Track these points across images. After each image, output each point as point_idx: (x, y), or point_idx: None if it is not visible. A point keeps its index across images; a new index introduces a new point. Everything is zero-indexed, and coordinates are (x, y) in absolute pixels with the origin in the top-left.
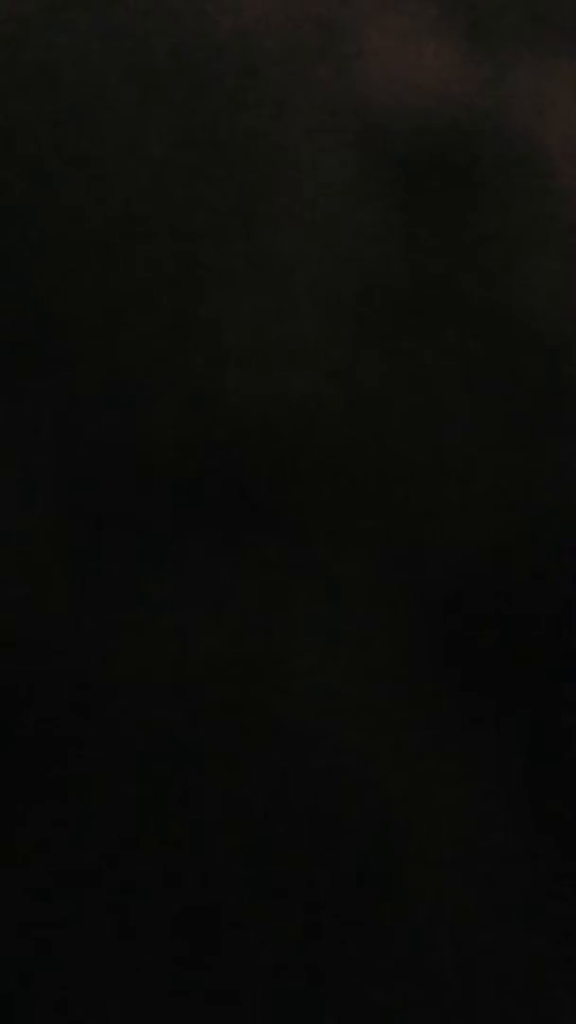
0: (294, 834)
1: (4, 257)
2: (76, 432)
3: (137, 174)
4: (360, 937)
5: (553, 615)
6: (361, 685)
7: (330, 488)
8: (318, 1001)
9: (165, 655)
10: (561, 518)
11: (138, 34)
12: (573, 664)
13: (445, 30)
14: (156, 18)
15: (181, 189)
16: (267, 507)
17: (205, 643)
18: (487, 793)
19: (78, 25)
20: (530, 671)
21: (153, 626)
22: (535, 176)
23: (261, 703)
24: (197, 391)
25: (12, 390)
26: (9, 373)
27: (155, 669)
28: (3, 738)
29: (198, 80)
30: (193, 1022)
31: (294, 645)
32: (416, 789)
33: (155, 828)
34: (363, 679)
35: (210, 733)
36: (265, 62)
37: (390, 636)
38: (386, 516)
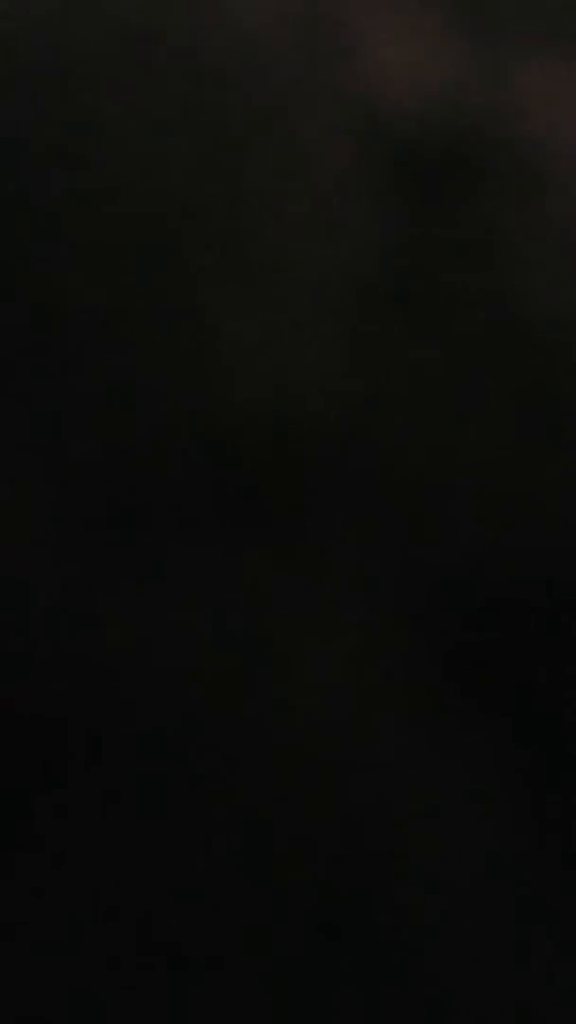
0: (293, 832)
1: (3, 257)
2: (76, 432)
3: (136, 174)
4: (359, 936)
5: (554, 615)
6: (360, 684)
7: (330, 488)
8: (317, 996)
9: (164, 653)
10: (562, 517)
11: (140, 34)
12: (573, 664)
13: (446, 30)
14: (158, 17)
15: (181, 188)
16: (267, 506)
17: (204, 641)
18: (487, 791)
19: (81, 23)
20: (530, 671)
21: (151, 624)
22: (535, 174)
23: (260, 701)
24: (196, 390)
25: (11, 391)
26: (8, 374)
27: (153, 666)
28: (3, 737)
29: (199, 79)
30: (197, 1008)
31: (294, 643)
32: (416, 788)
33: (155, 826)
34: (362, 678)
35: (209, 730)
36: (267, 61)
37: (390, 635)
38: (386, 516)
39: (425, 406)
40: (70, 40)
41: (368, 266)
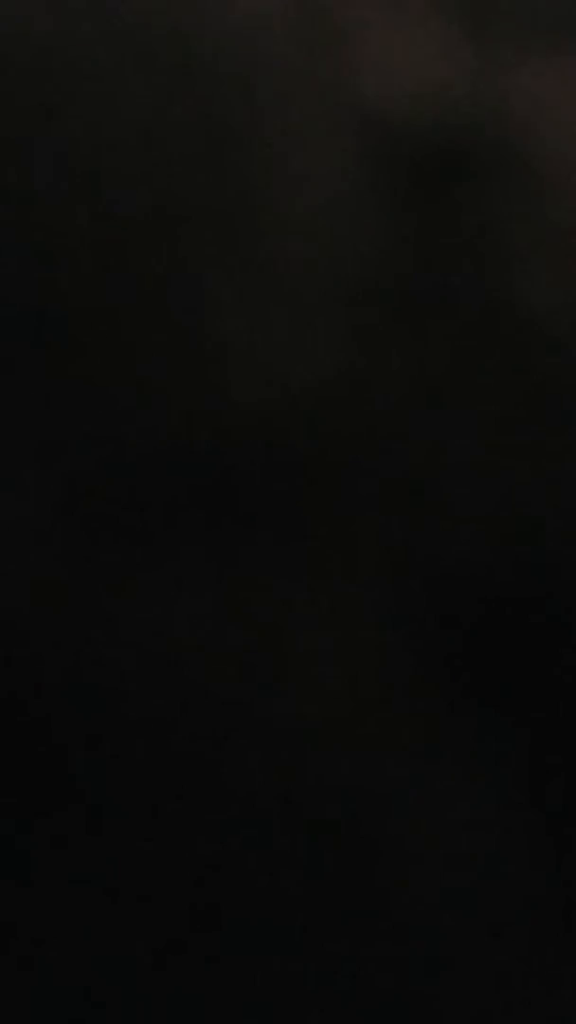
0: (293, 833)
1: (3, 256)
2: (75, 431)
3: (137, 173)
4: (358, 938)
5: (554, 615)
6: (361, 684)
7: (330, 487)
8: (316, 997)
9: (163, 653)
10: (563, 517)
11: (141, 34)
12: (574, 666)
13: (445, 30)
14: (158, 17)
15: (181, 187)
16: (267, 506)
17: (203, 642)
18: (487, 793)
19: (81, 21)
20: (531, 671)
21: (150, 624)
22: (533, 174)
23: (260, 700)
24: (196, 389)
25: (10, 390)
26: (7, 373)
27: (152, 666)
28: (3, 732)
29: (199, 78)
30: (193, 1005)
31: (293, 643)
32: (416, 787)
33: (154, 824)
34: (362, 678)
35: (209, 730)
36: (266, 61)
37: (390, 635)
38: (386, 516)
39: (425, 405)
40: (68, 38)
41: (368, 265)
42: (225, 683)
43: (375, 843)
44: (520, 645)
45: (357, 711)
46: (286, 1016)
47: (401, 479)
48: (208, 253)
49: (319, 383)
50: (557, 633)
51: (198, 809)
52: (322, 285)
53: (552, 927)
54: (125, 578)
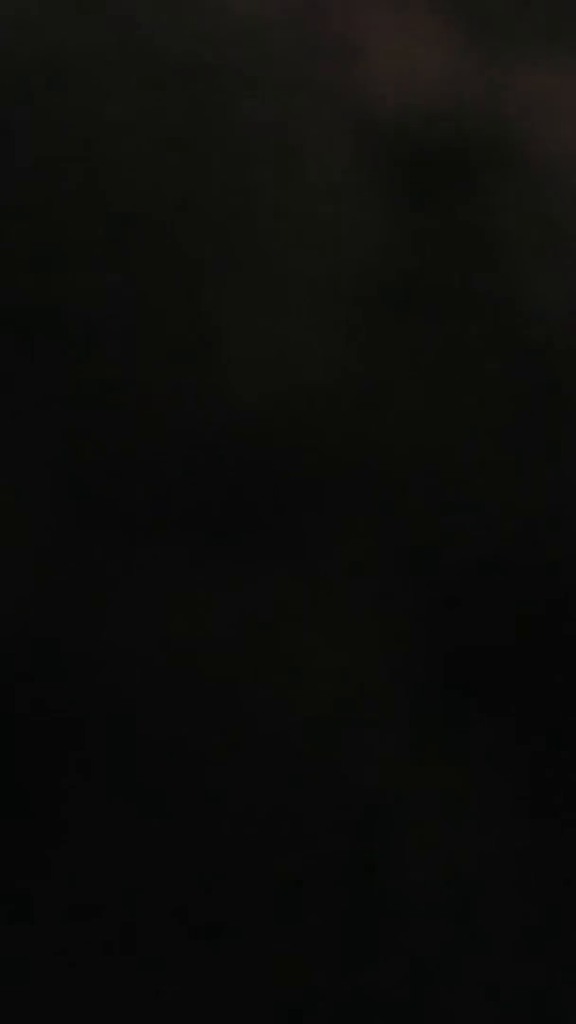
0: (292, 832)
1: (4, 254)
2: (75, 429)
3: (138, 172)
4: (356, 937)
5: (554, 616)
6: (360, 684)
7: (330, 486)
8: (318, 999)
9: (162, 652)
10: (563, 518)
11: (139, 31)
12: (573, 665)
13: (445, 30)
14: (158, 15)
15: (182, 186)
16: (267, 504)
17: (203, 641)
18: (487, 791)
19: (82, 18)
20: (530, 672)
21: (150, 623)
22: (534, 174)
23: (259, 700)
24: (196, 390)
25: (12, 388)
26: (9, 371)
27: (152, 666)
28: (3, 725)
29: (199, 78)
30: (192, 1005)
31: (293, 644)
32: (415, 788)
33: (153, 824)
34: (362, 678)
35: (207, 730)
36: (266, 61)
37: (390, 636)
38: (386, 516)
39: (425, 406)
40: (67, 38)
41: (368, 266)
42: (223, 681)
43: (375, 842)
44: (521, 646)
45: (357, 711)
46: (285, 1015)
47: (401, 478)
48: (208, 253)
49: (320, 382)
50: (559, 634)
51: (196, 807)
52: (322, 285)
53: (554, 925)
54: (125, 576)
